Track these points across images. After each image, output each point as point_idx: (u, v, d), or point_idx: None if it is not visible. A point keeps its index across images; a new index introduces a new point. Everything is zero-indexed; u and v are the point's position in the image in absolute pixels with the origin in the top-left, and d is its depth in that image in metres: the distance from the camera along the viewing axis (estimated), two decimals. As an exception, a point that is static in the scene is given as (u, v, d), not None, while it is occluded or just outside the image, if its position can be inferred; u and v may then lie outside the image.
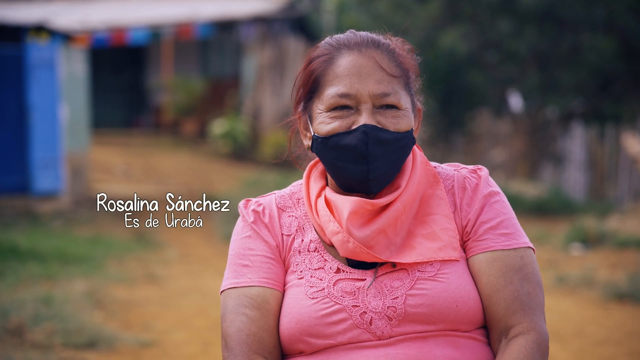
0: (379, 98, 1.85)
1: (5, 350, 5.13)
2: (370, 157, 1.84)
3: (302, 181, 2.00)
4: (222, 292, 1.93)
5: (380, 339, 1.83)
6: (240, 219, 1.99)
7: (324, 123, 1.87)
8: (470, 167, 1.98)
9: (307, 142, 1.95)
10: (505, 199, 1.94)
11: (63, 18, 16.78)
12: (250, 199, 2.01)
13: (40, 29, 11.76)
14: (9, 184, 11.42)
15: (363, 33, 1.92)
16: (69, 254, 8.50)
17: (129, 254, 9.00)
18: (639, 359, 5.48)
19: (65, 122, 12.27)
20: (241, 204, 2.00)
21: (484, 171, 1.96)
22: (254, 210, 1.97)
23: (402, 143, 1.87)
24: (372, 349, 1.82)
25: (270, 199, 1.99)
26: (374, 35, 1.92)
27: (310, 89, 1.91)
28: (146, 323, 6.18)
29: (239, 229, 1.97)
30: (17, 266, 7.76)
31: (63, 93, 12.13)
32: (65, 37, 12.44)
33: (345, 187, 1.89)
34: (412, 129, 1.89)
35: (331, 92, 1.86)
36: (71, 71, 12.59)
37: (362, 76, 1.85)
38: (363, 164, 1.84)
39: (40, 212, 11.29)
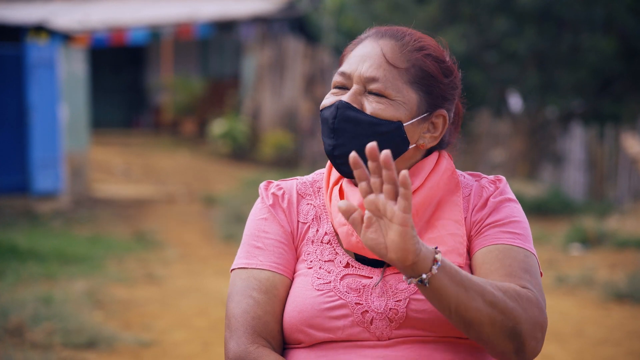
0: (368, 82, 1.86)
1: (5, 350, 5.14)
2: (337, 133, 1.85)
3: (325, 169, 2.00)
4: (232, 270, 1.93)
5: (379, 339, 1.82)
6: (259, 199, 1.99)
7: (325, 99, 1.91)
8: (491, 177, 1.97)
9: None
10: (519, 206, 1.92)
11: (63, 18, 16.79)
12: (272, 181, 2.02)
13: (39, 29, 11.76)
14: (9, 184, 11.42)
15: (401, 27, 1.93)
16: (68, 254, 8.50)
17: (128, 254, 9.00)
18: (639, 359, 5.48)
19: (65, 122, 12.27)
20: (262, 185, 2.01)
21: (502, 182, 1.95)
22: (273, 194, 1.98)
23: (379, 130, 1.84)
24: (370, 349, 1.82)
25: (291, 184, 2.00)
26: (403, 29, 1.93)
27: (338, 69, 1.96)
28: (146, 323, 6.18)
29: (257, 210, 1.97)
30: (17, 266, 7.76)
31: (63, 93, 12.14)
32: (64, 37, 12.44)
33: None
34: (399, 120, 1.86)
35: (337, 70, 1.92)
36: (71, 71, 12.59)
37: (362, 59, 1.88)
38: (331, 138, 1.86)
39: (40, 212, 11.29)
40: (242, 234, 1.99)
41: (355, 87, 1.86)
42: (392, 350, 1.81)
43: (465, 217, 1.90)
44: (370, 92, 1.86)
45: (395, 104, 1.86)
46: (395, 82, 1.86)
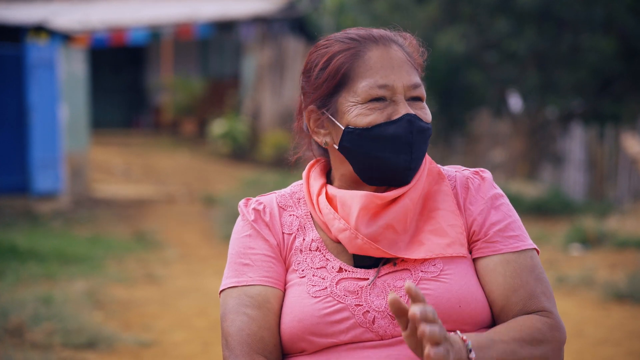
0: (411, 89, 1.87)
1: (5, 350, 5.14)
2: (414, 146, 1.86)
3: (302, 180, 2.00)
4: (222, 291, 1.92)
5: (382, 339, 1.83)
6: (240, 217, 1.98)
7: (363, 115, 1.86)
8: (472, 169, 1.99)
9: (322, 139, 1.93)
10: (508, 201, 1.96)
11: (63, 18, 16.79)
12: (250, 198, 2.01)
13: (39, 29, 11.76)
14: (9, 184, 11.42)
15: (376, 29, 1.93)
16: (68, 254, 8.50)
17: (128, 254, 9.00)
18: (639, 359, 5.48)
19: (65, 122, 12.27)
20: (241, 202, 1.99)
21: (487, 173, 1.97)
22: (254, 209, 1.97)
23: (429, 134, 1.90)
24: (373, 349, 1.82)
25: (270, 198, 1.99)
26: (388, 31, 1.94)
27: (338, 82, 1.89)
28: (146, 323, 6.19)
29: (239, 228, 1.96)
30: (17, 266, 7.76)
31: (63, 93, 12.14)
32: (64, 37, 12.45)
33: (376, 180, 1.89)
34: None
35: (368, 83, 1.86)
36: (71, 71, 12.59)
37: (394, 68, 1.87)
38: (407, 153, 1.85)
39: (39, 212, 11.30)
40: None
41: (402, 97, 1.86)
42: (395, 349, 1.82)
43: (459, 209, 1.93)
44: (412, 99, 1.88)
45: (427, 106, 1.92)
46: (422, 85, 1.91)
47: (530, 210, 11.90)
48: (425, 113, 1.89)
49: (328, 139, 1.92)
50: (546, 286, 1.90)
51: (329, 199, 1.92)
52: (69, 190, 12.36)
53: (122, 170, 16.02)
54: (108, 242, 9.69)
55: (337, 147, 1.91)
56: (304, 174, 2.00)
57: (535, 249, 1.92)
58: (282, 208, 1.97)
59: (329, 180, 1.99)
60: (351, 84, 1.88)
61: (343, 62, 1.88)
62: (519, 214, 1.98)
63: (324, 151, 1.99)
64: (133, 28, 17.21)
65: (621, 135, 14.59)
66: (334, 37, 1.93)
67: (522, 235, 1.91)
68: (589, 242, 9.49)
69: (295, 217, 1.96)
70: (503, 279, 1.87)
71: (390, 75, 1.86)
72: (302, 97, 1.96)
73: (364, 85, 1.86)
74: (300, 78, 1.96)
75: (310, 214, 1.96)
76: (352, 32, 1.92)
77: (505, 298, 1.86)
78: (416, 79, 1.88)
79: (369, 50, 1.88)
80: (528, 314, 1.87)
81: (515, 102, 15.93)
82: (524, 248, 1.89)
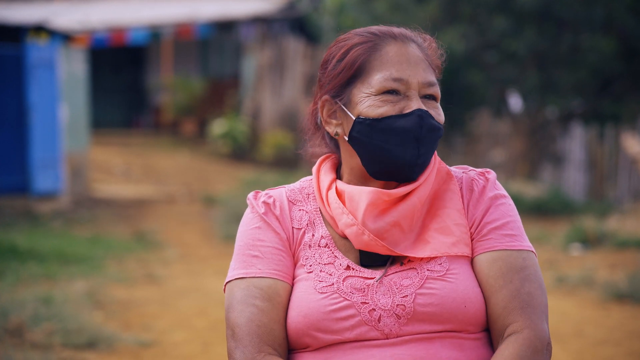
0: (425, 87, 1.88)
1: (5, 350, 5.14)
2: (422, 142, 1.86)
3: (312, 175, 2.00)
4: (228, 282, 1.91)
5: (388, 337, 1.83)
6: (249, 209, 1.97)
7: (375, 106, 1.87)
8: (478, 169, 1.99)
9: (334, 129, 1.94)
10: (511, 202, 1.95)
11: (63, 18, 16.79)
12: (259, 191, 2.00)
13: (39, 29, 11.76)
14: (9, 184, 11.42)
15: (397, 28, 1.95)
16: (68, 254, 8.50)
17: (128, 254, 9.00)
18: (639, 359, 5.48)
19: (65, 122, 12.27)
20: (250, 195, 1.98)
21: (492, 174, 1.97)
22: (264, 202, 1.96)
23: (440, 134, 1.90)
24: (378, 348, 1.82)
25: (280, 192, 1.99)
26: (408, 30, 1.95)
27: (354, 74, 1.90)
28: (146, 323, 6.19)
29: (248, 220, 1.95)
30: (17, 266, 7.76)
31: (63, 93, 12.14)
32: (65, 37, 12.45)
33: (382, 174, 1.89)
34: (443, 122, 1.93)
35: (383, 75, 1.87)
36: (71, 71, 12.59)
37: (411, 64, 1.88)
38: (414, 148, 1.85)
39: (39, 212, 11.29)
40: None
41: (415, 93, 1.87)
42: (399, 348, 1.82)
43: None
44: (426, 97, 1.89)
45: (440, 107, 1.92)
46: (437, 85, 1.92)
47: (530, 210, 11.90)
48: (438, 113, 1.89)
49: (339, 130, 1.93)
50: (535, 287, 1.86)
51: (338, 194, 1.92)
52: (69, 190, 12.36)
53: (122, 170, 16.02)
54: (108, 242, 9.69)
55: (347, 138, 1.91)
56: (314, 168, 2.00)
57: (532, 251, 1.90)
58: (291, 202, 1.97)
59: (339, 176, 1.99)
60: (366, 76, 1.89)
61: (360, 54, 1.90)
62: (519, 214, 1.97)
63: (335, 147, 1.99)
64: (133, 28, 17.21)
65: (621, 135, 14.59)
66: (354, 31, 1.95)
67: (519, 235, 1.90)
68: (589, 242, 9.49)
69: (304, 212, 1.96)
70: (486, 279, 1.86)
71: (406, 70, 1.87)
72: (317, 89, 1.97)
73: (378, 77, 1.87)
74: (318, 71, 1.97)
75: (320, 209, 1.96)
76: (374, 28, 1.94)
77: (487, 299, 1.86)
78: (432, 77, 1.89)
79: (387, 45, 1.90)
80: (506, 327, 1.84)
81: (515, 102, 15.93)
82: (518, 248, 1.88)
